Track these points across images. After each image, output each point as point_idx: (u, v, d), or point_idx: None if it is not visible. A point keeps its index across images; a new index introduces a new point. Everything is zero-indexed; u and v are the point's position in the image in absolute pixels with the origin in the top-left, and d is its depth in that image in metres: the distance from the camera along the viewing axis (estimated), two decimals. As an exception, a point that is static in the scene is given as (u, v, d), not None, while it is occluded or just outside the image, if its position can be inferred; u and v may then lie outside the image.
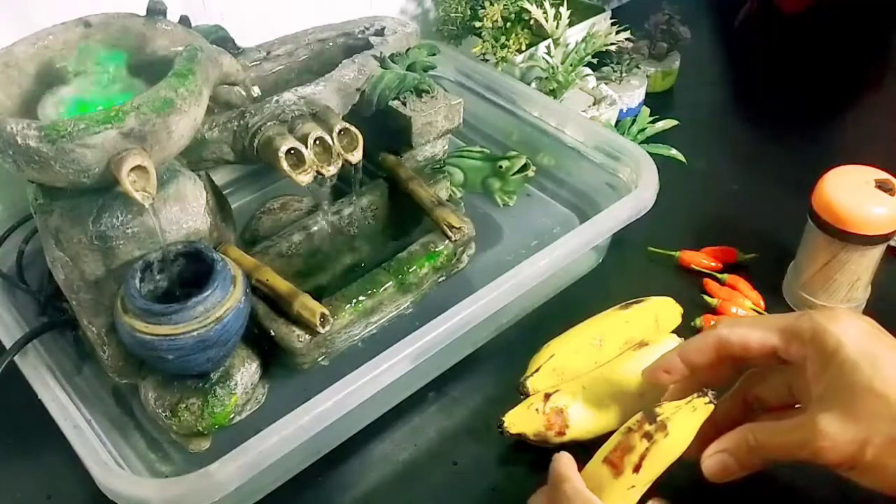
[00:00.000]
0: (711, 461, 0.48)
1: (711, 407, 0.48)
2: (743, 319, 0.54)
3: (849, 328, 0.46)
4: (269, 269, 0.59)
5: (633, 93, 0.92)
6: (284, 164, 0.56)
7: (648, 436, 0.47)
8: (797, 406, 0.51)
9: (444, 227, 0.64)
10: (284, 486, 0.58)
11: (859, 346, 0.45)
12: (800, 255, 0.68)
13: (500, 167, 0.77)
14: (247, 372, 0.57)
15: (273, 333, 0.57)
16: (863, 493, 0.46)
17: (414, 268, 0.62)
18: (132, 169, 0.46)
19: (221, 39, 0.64)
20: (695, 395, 0.49)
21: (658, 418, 0.48)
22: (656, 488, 0.50)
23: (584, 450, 0.53)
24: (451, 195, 0.74)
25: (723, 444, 0.48)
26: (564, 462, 0.49)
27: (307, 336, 0.56)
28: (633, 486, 0.48)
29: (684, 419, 0.48)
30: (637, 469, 0.47)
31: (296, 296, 0.56)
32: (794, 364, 0.48)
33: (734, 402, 0.53)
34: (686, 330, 0.65)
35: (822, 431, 0.44)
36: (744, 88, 1.04)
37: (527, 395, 0.59)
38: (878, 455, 0.43)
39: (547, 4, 0.82)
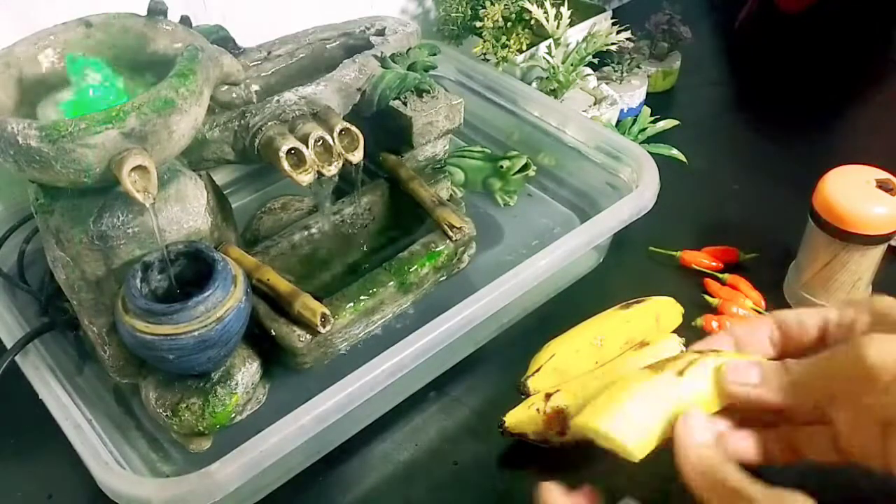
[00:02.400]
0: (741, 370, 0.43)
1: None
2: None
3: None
4: (270, 268, 0.59)
5: (633, 93, 0.92)
6: (285, 164, 0.56)
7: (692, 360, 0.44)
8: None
9: (445, 226, 0.64)
10: (284, 486, 0.58)
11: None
12: (801, 255, 0.68)
13: (501, 167, 0.77)
14: (247, 372, 0.57)
15: (274, 333, 0.57)
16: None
17: (415, 267, 0.62)
18: (133, 169, 0.46)
19: (222, 39, 0.64)
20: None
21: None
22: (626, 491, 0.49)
23: (584, 450, 0.52)
24: (451, 195, 0.74)
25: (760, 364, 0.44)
26: (544, 492, 0.46)
27: (308, 336, 0.56)
28: (674, 385, 0.44)
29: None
30: (681, 374, 0.44)
31: (297, 295, 0.56)
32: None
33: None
34: (687, 330, 0.65)
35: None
36: (744, 88, 1.04)
37: (527, 395, 0.59)
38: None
39: (548, 4, 0.82)
